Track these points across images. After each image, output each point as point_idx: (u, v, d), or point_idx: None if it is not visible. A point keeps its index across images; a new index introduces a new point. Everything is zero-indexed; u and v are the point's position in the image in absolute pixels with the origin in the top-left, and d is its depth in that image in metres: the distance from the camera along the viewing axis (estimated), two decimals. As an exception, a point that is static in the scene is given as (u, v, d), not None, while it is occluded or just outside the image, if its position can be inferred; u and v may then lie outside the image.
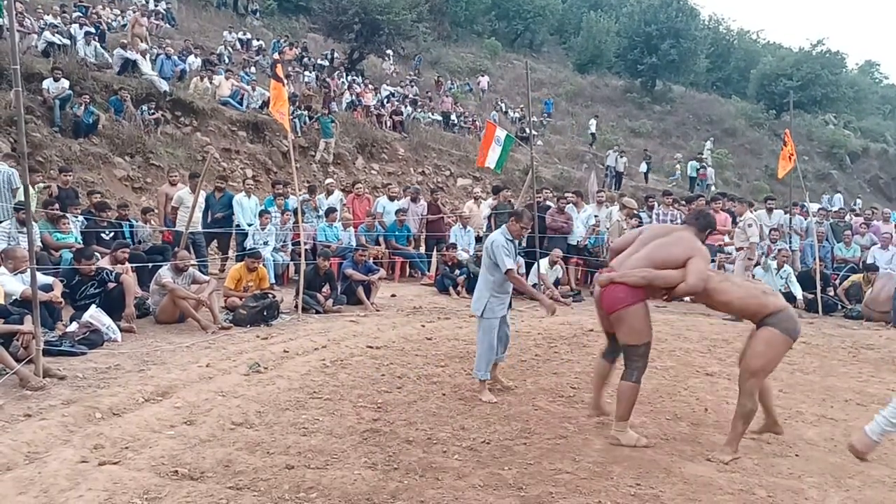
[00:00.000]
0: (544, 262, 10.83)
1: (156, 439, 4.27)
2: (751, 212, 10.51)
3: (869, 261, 11.48)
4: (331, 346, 6.92)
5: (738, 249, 10.04)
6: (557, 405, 5.33)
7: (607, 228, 11.58)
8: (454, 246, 11.15)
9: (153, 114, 14.56)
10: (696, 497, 3.74)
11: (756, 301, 4.39)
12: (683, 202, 12.74)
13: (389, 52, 29.22)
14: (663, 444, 4.54)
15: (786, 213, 12.38)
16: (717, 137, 33.85)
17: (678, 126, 37.03)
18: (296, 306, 8.54)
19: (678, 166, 28.01)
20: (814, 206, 14.51)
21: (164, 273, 7.64)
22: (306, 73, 23.03)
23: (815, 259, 11.19)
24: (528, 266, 11.18)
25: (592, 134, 29.89)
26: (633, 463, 4.19)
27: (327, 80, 22.36)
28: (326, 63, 25.44)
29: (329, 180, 13.91)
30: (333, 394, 5.39)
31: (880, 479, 4.13)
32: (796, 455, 4.49)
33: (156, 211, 11.09)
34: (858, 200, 26.30)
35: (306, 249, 9.24)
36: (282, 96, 9.08)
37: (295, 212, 10.09)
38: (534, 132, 27.80)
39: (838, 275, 11.73)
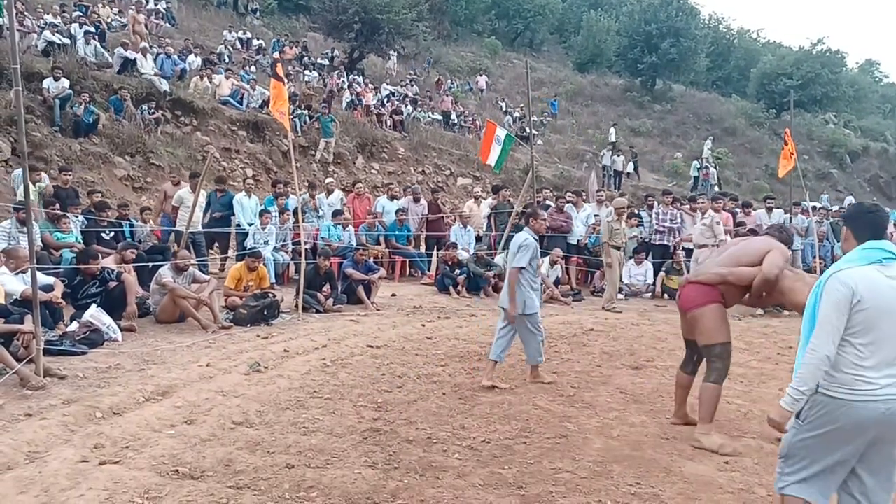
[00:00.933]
0: (545, 262, 10.83)
1: (156, 439, 4.28)
2: (713, 210, 10.53)
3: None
4: (331, 345, 6.93)
5: (700, 247, 10.04)
6: (557, 404, 5.33)
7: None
8: (455, 245, 11.15)
9: (153, 113, 14.56)
10: (696, 496, 3.74)
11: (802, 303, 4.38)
12: (686, 201, 12.73)
13: (393, 52, 29.20)
14: (663, 444, 4.54)
15: (786, 212, 12.37)
16: (717, 136, 33.81)
17: (678, 125, 36.99)
18: (296, 306, 8.55)
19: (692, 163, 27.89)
20: (811, 206, 14.50)
21: (165, 272, 7.64)
22: (306, 72, 23.03)
23: (815, 258, 11.19)
24: (529, 265, 11.19)
25: (613, 143, 29.65)
26: (634, 462, 4.19)
27: (326, 80, 22.37)
28: (327, 62, 25.45)
29: (329, 180, 13.91)
30: (334, 393, 5.39)
31: None
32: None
33: (150, 209, 11.06)
34: (850, 198, 26.23)
35: (307, 249, 9.25)
36: (282, 95, 9.08)
37: (295, 211, 10.10)
38: (534, 131, 27.86)
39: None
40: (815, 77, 37.40)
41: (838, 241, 12.35)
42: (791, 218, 12.29)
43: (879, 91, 58.05)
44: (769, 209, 12.19)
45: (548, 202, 12.27)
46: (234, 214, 10.64)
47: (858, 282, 2.74)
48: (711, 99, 42.18)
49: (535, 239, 5.93)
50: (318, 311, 8.70)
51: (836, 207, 17.36)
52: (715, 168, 27.59)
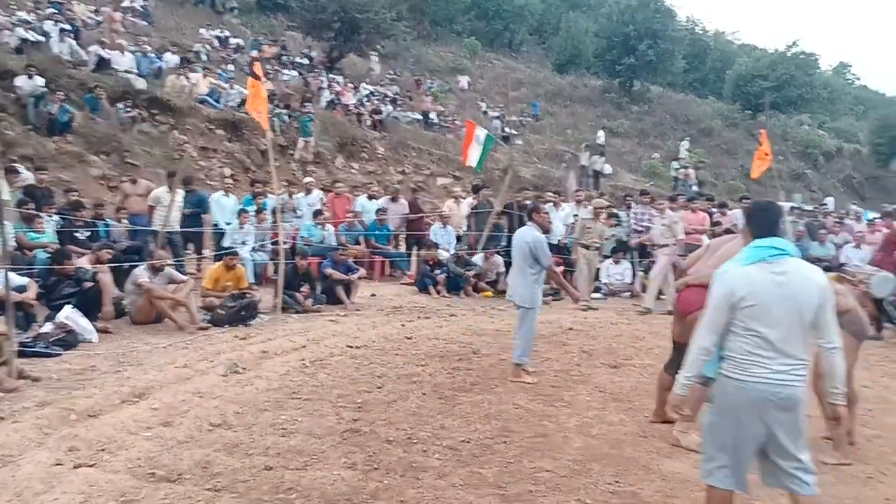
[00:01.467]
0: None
1: (132, 441, 4.23)
2: (670, 209, 10.66)
3: (842, 259, 11.67)
4: (310, 345, 6.89)
5: (661, 247, 10.15)
6: (537, 403, 5.36)
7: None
8: (436, 245, 11.14)
9: (129, 112, 14.37)
10: (673, 494, 3.77)
11: None
12: (665, 201, 12.83)
13: (375, 53, 29.13)
14: (642, 442, 4.58)
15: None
16: (693, 137, 34.14)
17: (656, 126, 37.29)
18: (275, 306, 8.50)
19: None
20: (786, 206, 14.71)
21: (141, 273, 7.56)
22: (285, 71, 22.88)
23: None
24: (508, 265, 11.21)
25: (601, 146, 29.58)
26: (613, 460, 4.23)
27: (308, 78, 22.25)
28: (306, 61, 25.29)
29: (308, 179, 13.83)
30: (313, 394, 5.37)
31: (854, 475, 4.21)
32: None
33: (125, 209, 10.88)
34: (830, 199, 26.63)
35: (285, 249, 9.19)
36: (260, 94, 9.02)
37: (274, 211, 10.03)
38: (514, 131, 27.94)
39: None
40: (789, 79, 37.91)
41: (814, 241, 12.59)
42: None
43: (852, 93, 58.98)
44: (745, 209, 12.33)
45: (527, 202, 12.30)
46: (204, 212, 10.52)
47: (738, 281, 2.97)
48: (688, 100, 42.58)
49: (544, 234, 6.21)
50: (297, 312, 8.66)
51: (811, 207, 17.63)
52: (696, 169, 27.89)
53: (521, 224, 11.07)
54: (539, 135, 30.87)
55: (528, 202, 12.19)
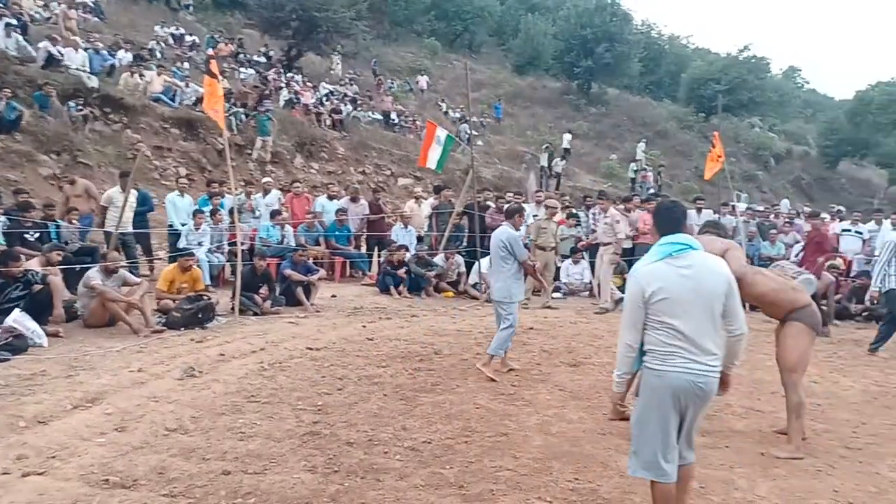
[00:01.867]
0: (485, 262, 10.88)
1: (85, 447, 4.12)
2: (613, 208, 10.87)
3: (791, 259, 11.97)
4: (269, 348, 6.80)
5: (604, 245, 10.36)
6: (499, 403, 5.38)
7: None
8: (404, 247, 11.10)
9: (81, 110, 14.01)
10: (632, 490, 3.82)
11: (787, 296, 4.69)
12: (621, 201, 13.02)
13: (337, 53, 28.93)
14: (601, 439, 4.63)
15: (715, 213, 12.79)
16: (649, 139, 34.72)
17: (613, 128, 37.83)
18: (232, 308, 8.37)
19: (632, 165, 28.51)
20: (741, 206, 15.04)
21: (93, 275, 7.37)
22: (242, 69, 22.57)
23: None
24: (469, 265, 11.26)
25: (566, 149, 29.84)
26: (572, 458, 4.26)
27: (266, 77, 21.98)
28: (263, 60, 24.99)
29: (266, 179, 13.67)
30: (272, 397, 5.30)
31: (804, 468, 4.32)
32: (727, 447, 4.65)
33: (77, 209, 10.60)
34: (786, 201, 27.35)
35: (243, 250, 9.06)
36: (216, 93, 8.86)
37: (231, 211, 9.88)
38: (474, 132, 28.03)
39: (764, 273, 12.18)
40: (741, 82, 38.87)
41: (765, 241, 12.90)
42: (720, 218, 12.71)
43: (801, 96, 60.69)
44: (699, 210, 12.58)
45: (488, 202, 12.36)
46: (150, 211, 10.30)
47: (648, 278, 3.13)
48: (644, 103, 43.29)
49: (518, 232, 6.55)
50: (255, 314, 8.54)
51: (762, 208, 18.04)
52: (657, 171, 28.39)
53: (483, 224, 11.20)
54: (500, 136, 31.05)
55: (489, 203, 12.29)
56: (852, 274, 11.87)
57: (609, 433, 4.76)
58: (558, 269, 11.58)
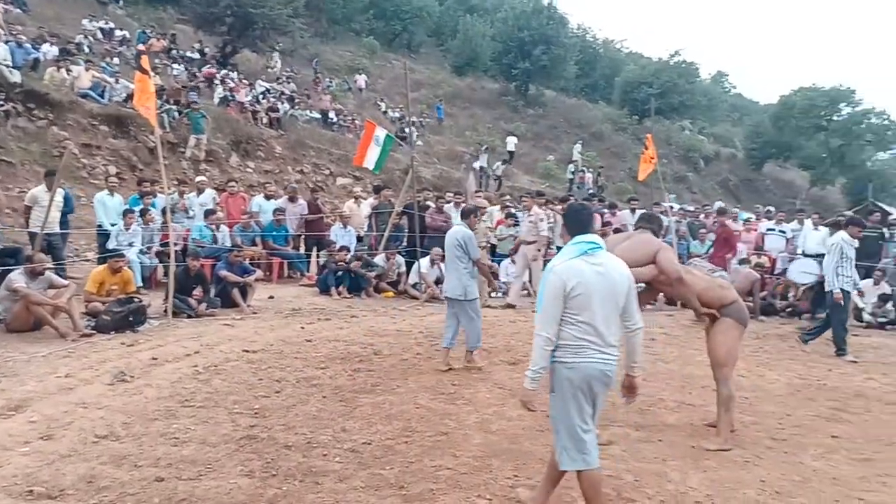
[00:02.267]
0: (425, 261, 10.92)
1: (7, 457, 3.93)
2: (537, 207, 11.13)
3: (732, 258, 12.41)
4: (204, 351, 6.64)
5: (529, 243, 10.61)
6: (439, 402, 5.39)
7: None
8: (346, 248, 11.00)
9: (2, 105, 13.37)
10: (569, 485, 3.88)
11: (715, 293, 4.86)
12: (558, 202, 13.25)
13: (276, 51, 28.44)
14: (539, 436, 4.69)
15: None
16: (585, 141, 35.42)
17: (550, 129, 38.43)
18: (165, 311, 8.14)
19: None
20: (675, 206, 15.48)
21: (16, 277, 7.06)
22: (175, 65, 21.95)
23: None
24: (409, 265, 11.25)
25: (511, 153, 30.12)
26: (512, 455, 4.31)
27: (194, 73, 21.44)
28: (197, 56, 24.36)
29: (201, 178, 13.34)
30: (207, 401, 5.17)
31: (733, 459, 4.49)
32: (660, 440, 4.78)
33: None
34: (719, 203, 28.34)
35: (177, 251, 8.82)
36: (147, 89, 8.61)
37: (164, 211, 9.60)
38: (414, 132, 28.01)
39: (694, 271, 12.60)
40: (672, 86, 40.10)
41: (695, 239, 13.33)
42: (653, 218, 13.05)
43: (728, 101, 62.97)
44: (633, 210, 12.91)
45: (428, 202, 12.38)
46: (71, 212, 9.94)
47: (568, 273, 3.28)
48: (580, 105, 44.12)
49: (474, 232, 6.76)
50: (189, 316, 8.32)
51: (692, 208, 18.62)
52: (597, 173, 28.96)
53: (423, 224, 11.22)
54: (439, 136, 31.13)
55: (429, 203, 12.32)
56: (776, 272, 12.36)
57: (548, 430, 4.80)
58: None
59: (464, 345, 6.67)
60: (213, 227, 10.67)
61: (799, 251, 12.30)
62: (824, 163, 42.83)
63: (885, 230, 12.28)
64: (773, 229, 13.01)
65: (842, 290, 8.15)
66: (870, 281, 11.11)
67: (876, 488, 4.14)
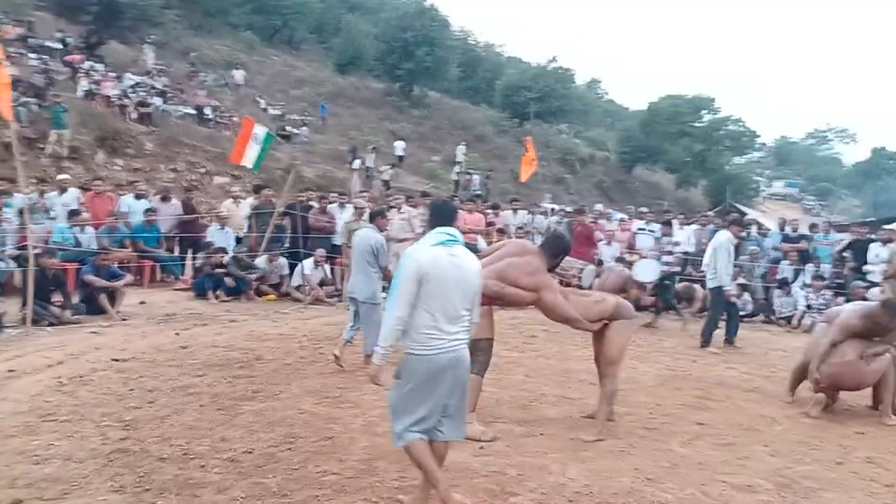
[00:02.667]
0: (308, 263, 10.72)
1: None
2: (408, 206, 11.56)
3: (598, 257, 13.00)
4: (69, 361, 6.21)
5: (401, 241, 10.86)
6: (324, 406, 5.31)
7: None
8: (223, 250, 10.58)
9: None
10: (454, 482, 3.93)
11: (593, 311, 5.01)
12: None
13: (149, 44, 26.95)
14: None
15: (529, 213, 13.55)
16: (469, 142, 35.99)
17: (434, 130, 38.77)
18: (23, 319, 7.53)
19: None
20: (554, 207, 16.06)
21: None
22: (33, 55, 20.36)
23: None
24: (293, 267, 11.00)
25: (401, 157, 29.98)
26: (398, 457, 4.30)
27: (61, 65, 20.01)
28: (59, 46, 22.70)
29: (63, 176, 12.45)
30: (72, 414, 4.83)
31: (609, 449, 4.70)
32: (541, 434, 4.94)
33: None
34: (599, 205, 29.65)
35: (36, 255, 8.17)
36: (0, 80, 7.93)
37: (21, 211, 8.88)
38: (295, 130, 27.43)
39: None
40: (550, 91, 41.53)
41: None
42: (533, 218, 13.50)
43: (602, 106, 66.12)
44: (514, 210, 13.28)
45: (311, 203, 12.16)
46: None
47: (425, 259, 3.40)
48: (463, 107, 44.83)
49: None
50: (51, 324, 7.74)
51: (571, 209, 19.37)
52: (486, 176, 29.51)
53: (306, 225, 11.01)
54: (322, 135, 30.65)
55: (312, 203, 12.09)
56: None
57: (433, 429, 4.87)
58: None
59: (349, 348, 6.61)
60: (78, 228, 9.98)
61: (667, 249, 13.09)
62: (688, 166, 45.81)
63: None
64: (644, 229, 13.76)
65: (720, 286, 8.67)
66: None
67: (737, 470, 4.46)
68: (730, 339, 9.12)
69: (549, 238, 5.48)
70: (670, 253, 11.28)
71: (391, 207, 12.24)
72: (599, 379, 5.19)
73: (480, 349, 4.79)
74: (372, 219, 6.88)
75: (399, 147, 30.25)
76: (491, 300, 4.75)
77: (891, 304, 5.98)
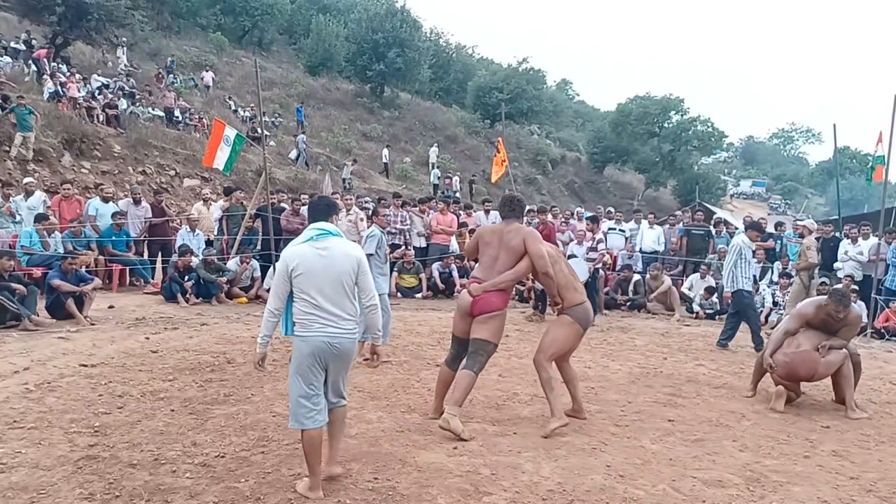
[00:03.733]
0: (279, 265, 10.65)
1: None
2: (357, 207, 11.71)
3: (568, 254, 13.09)
4: (35, 367, 6.10)
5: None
6: (296, 409, 5.27)
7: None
8: (190, 251, 10.45)
9: None
10: (429, 483, 3.94)
11: (567, 293, 5.13)
12: (416, 203, 13.42)
13: (121, 43, 26.55)
14: (398, 436, 4.73)
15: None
16: (440, 143, 36.06)
17: (406, 131, 38.78)
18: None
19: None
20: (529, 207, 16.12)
21: None
22: (-4, 56, 19.96)
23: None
24: (265, 269, 10.92)
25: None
26: (371, 458, 4.31)
27: (25, 66, 19.61)
28: (23, 47, 22.25)
29: (29, 179, 12.21)
30: (39, 421, 4.75)
31: (581, 447, 4.74)
32: (514, 433, 4.96)
33: None
34: (581, 209, 29.92)
35: (0, 259, 8.01)
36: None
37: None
38: (266, 133, 27.18)
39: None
40: (521, 92, 41.79)
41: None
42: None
43: (573, 107, 66.67)
44: (487, 211, 13.33)
45: (283, 204, 12.09)
46: None
47: (292, 257, 3.76)
48: (435, 108, 44.90)
49: (382, 231, 7.23)
50: (18, 328, 7.58)
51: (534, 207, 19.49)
52: (470, 181, 29.56)
53: (278, 227, 10.94)
54: (293, 136, 30.45)
55: (283, 205, 12.03)
56: (617, 268, 13.22)
57: (407, 430, 4.87)
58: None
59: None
60: (45, 232, 9.81)
61: (637, 248, 13.25)
62: (657, 166, 46.41)
63: (711, 228, 13.48)
64: (614, 228, 13.90)
65: (741, 289, 8.58)
66: (697, 275, 12.18)
67: (707, 466, 4.53)
68: (722, 342, 8.94)
69: (506, 202, 5.41)
70: (594, 249, 11.44)
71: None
72: (561, 373, 5.30)
73: (488, 351, 4.96)
74: (372, 216, 7.44)
75: (385, 154, 30.41)
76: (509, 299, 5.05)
77: (837, 291, 6.15)
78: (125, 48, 27.59)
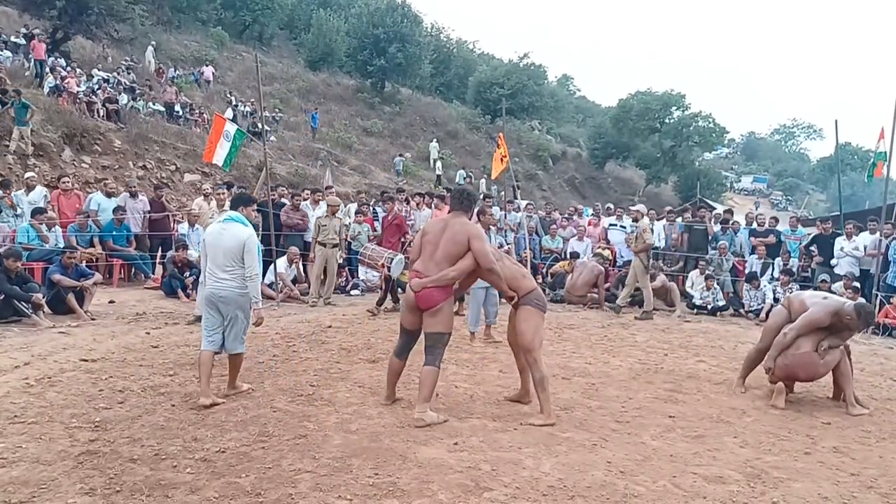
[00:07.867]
0: (282, 261, 10.65)
1: None
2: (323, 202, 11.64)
3: (569, 250, 13.12)
4: (36, 362, 6.09)
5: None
6: (297, 405, 5.28)
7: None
8: (185, 246, 10.45)
9: None
10: (429, 479, 3.94)
11: (517, 283, 5.21)
12: (415, 196, 13.39)
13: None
14: (399, 432, 4.72)
15: (501, 209, 13.60)
16: (441, 139, 36.02)
17: (407, 127, 38.72)
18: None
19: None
20: (522, 203, 16.11)
21: None
22: (-4, 50, 19.94)
23: (525, 249, 12.47)
24: (266, 265, 10.91)
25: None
26: (372, 454, 4.30)
27: (25, 60, 19.57)
28: (23, 42, 22.22)
29: (29, 174, 12.20)
30: (40, 416, 4.75)
31: (581, 443, 4.74)
32: (515, 429, 4.96)
33: None
34: (584, 208, 30.06)
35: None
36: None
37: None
38: (266, 128, 27.15)
39: (545, 263, 13.24)
40: (522, 87, 41.72)
41: (546, 234, 13.97)
42: (506, 214, 13.55)
43: (574, 103, 66.54)
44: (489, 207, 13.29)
45: (283, 200, 12.08)
46: None
47: (206, 232, 5.54)
48: (435, 103, 44.81)
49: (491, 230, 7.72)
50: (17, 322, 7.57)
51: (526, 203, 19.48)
52: (468, 174, 29.59)
53: (278, 222, 10.91)
54: (294, 132, 30.43)
55: (284, 200, 12.01)
56: (618, 264, 13.22)
57: (407, 426, 4.87)
58: (341, 266, 11.58)
59: (322, 344, 6.58)
60: (45, 227, 9.79)
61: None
62: (658, 162, 46.31)
63: (717, 225, 13.45)
64: (615, 224, 13.90)
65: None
66: (696, 271, 12.16)
67: (707, 462, 4.53)
68: None
69: (455, 196, 5.36)
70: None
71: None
72: (516, 361, 5.57)
73: (443, 343, 5.03)
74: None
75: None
76: (453, 291, 5.08)
77: (866, 309, 5.99)
78: (153, 48, 27.60)
